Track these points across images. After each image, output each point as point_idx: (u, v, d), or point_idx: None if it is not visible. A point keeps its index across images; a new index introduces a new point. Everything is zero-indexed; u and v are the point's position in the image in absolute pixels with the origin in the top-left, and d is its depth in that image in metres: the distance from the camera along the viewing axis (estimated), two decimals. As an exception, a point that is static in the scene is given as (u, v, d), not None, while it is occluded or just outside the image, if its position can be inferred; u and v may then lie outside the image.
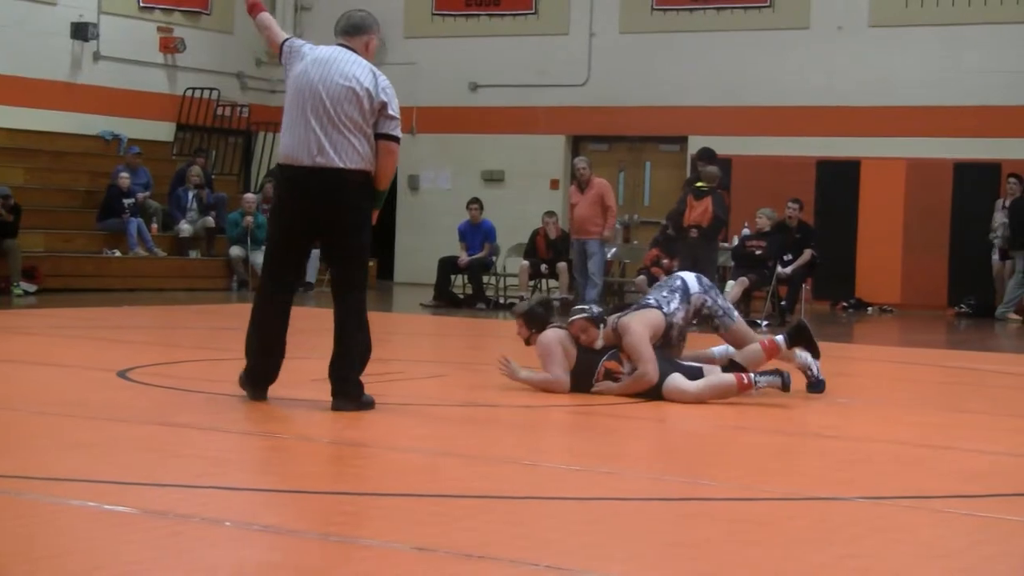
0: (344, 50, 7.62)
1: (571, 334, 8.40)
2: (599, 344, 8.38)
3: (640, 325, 8.33)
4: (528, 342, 8.62)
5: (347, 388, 7.42)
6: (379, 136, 7.43)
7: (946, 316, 19.71)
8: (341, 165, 7.31)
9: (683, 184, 17.82)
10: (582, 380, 8.32)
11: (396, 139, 7.51)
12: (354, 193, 7.40)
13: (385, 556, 4.21)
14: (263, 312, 7.75)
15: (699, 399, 8.09)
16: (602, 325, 8.44)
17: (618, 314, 8.56)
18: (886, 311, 20.19)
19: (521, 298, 18.39)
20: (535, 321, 8.57)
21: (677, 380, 8.17)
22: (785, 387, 8.18)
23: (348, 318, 7.60)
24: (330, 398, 7.45)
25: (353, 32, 7.78)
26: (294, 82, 7.56)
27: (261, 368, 7.68)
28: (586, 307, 8.62)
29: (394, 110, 7.50)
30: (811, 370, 8.62)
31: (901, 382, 10.97)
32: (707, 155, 17.21)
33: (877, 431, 7.50)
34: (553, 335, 8.41)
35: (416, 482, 5.48)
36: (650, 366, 8.16)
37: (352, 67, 7.52)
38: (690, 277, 8.79)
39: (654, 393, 8.16)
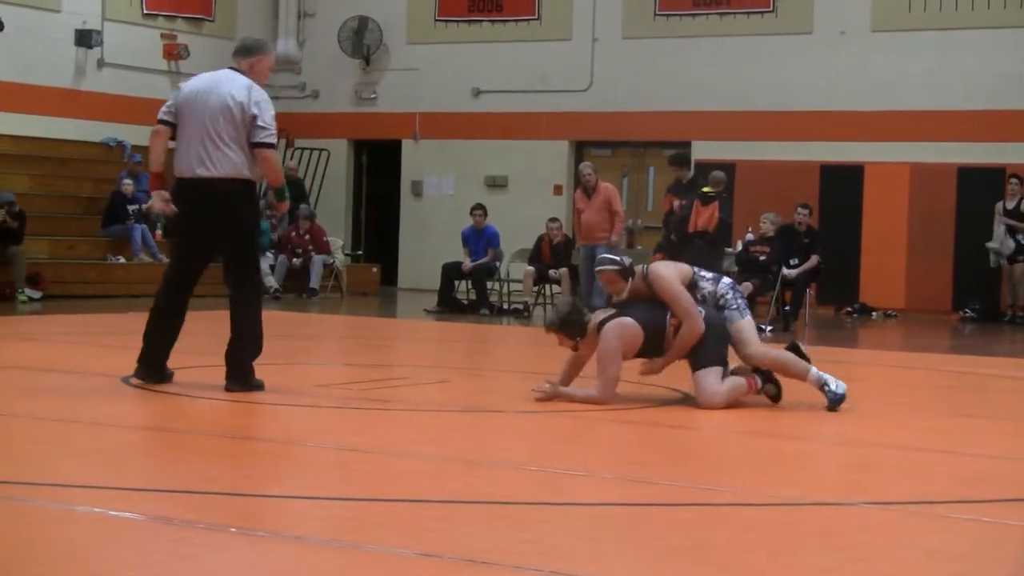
0: (227, 71, 8.41)
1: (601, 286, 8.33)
2: (623, 296, 8.30)
3: (669, 270, 8.30)
4: (576, 349, 8.33)
5: (239, 373, 8.28)
6: (253, 145, 8.22)
7: (950, 321, 19.69)
8: (218, 174, 8.19)
9: (667, 190, 17.81)
10: (654, 345, 8.17)
11: (267, 145, 8.25)
12: (232, 199, 8.25)
13: (390, 562, 4.22)
14: (162, 310, 8.57)
15: (724, 404, 8.07)
16: (631, 278, 8.35)
17: (644, 265, 8.49)
18: (890, 316, 20.18)
19: (525, 304, 18.41)
20: (573, 328, 8.25)
21: (711, 377, 8.10)
22: (777, 396, 8.38)
23: (240, 312, 8.45)
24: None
25: (242, 54, 8.50)
26: (180, 110, 8.35)
27: (154, 356, 8.50)
28: (616, 257, 8.48)
29: (264, 121, 8.22)
30: (827, 386, 8.37)
31: (905, 387, 10.96)
32: (682, 159, 17.46)
33: (881, 436, 7.49)
34: (615, 330, 8.11)
35: (421, 487, 5.48)
36: (692, 314, 8.09)
37: (229, 86, 8.26)
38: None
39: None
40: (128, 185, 19.93)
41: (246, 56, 8.47)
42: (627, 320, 8.13)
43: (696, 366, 8.14)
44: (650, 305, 8.23)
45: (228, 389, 8.23)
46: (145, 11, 22.73)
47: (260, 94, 8.27)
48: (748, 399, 8.28)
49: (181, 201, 8.40)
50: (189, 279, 8.63)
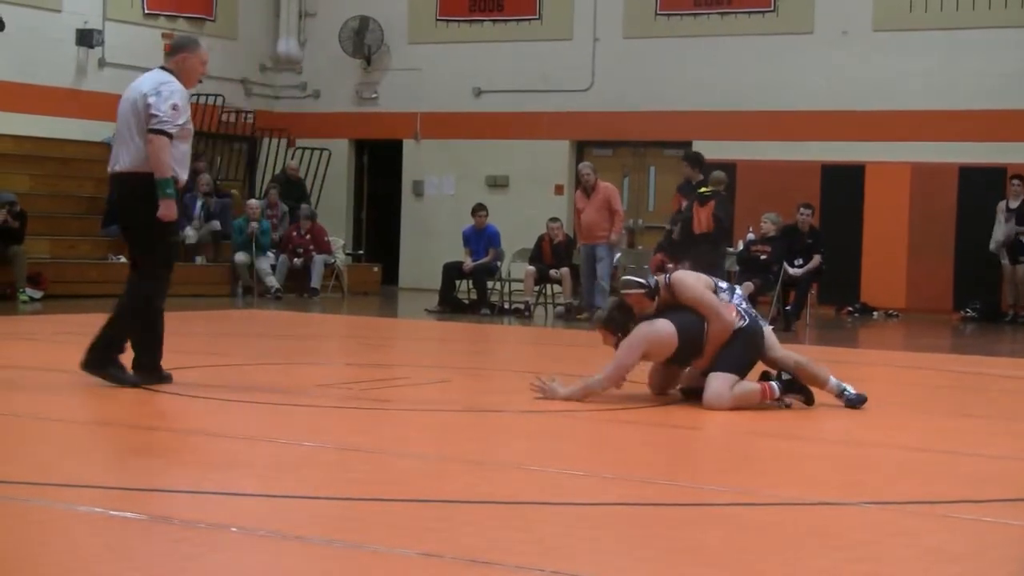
0: (152, 71, 8.56)
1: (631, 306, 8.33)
2: (650, 311, 8.30)
3: (691, 277, 8.35)
4: (617, 347, 8.33)
5: (99, 355, 8.26)
6: (147, 131, 8.20)
7: (951, 320, 19.69)
8: (123, 169, 8.32)
9: (676, 188, 17.83)
10: (692, 348, 8.18)
11: (157, 132, 8.16)
12: (134, 193, 8.26)
13: (391, 562, 4.22)
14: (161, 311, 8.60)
15: (728, 408, 8.06)
16: (656, 297, 8.35)
17: (665, 275, 8.52)
18: (891, 316, 20.18)
19: (526, 304, 18.41)
20: (616, 325, 8.26)
21: (722, 380, 8.08)
22: (808, 401, 8.33)
23: (125, 301, 8.45)
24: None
25: (170, 53, 8.64)
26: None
27: (152, 358, 8.48)
28: (642, 280, 8.44)
29: (157, 109, 8.17)
30: (845, 392, 8.41)
31: (906, 387, 10.95)
32: (694, 159, 17.31)
33: (882, 436, 7.49)
34: (645, 327, 8.16)
35: (422, 487, 5.48)
36: (722, 313, 8.14)
37: (142, 83, 8.40)
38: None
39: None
40: None
41: (172, 55, 8.58)
42: (662, 321, 8.16)
43: (713, 368, 8.13)
44: (683, 311, 8.23)
45: (82, 368, 8.27)
46: (146, 11, 22.73)
47: (169, 87, 8.28)
48: (763, 406, 8.23)
49: (111, 196, 8.60)
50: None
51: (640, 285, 8.37)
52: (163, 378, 8.44)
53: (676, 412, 8.03)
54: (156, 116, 8.16)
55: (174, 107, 8.21)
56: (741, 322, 8.22)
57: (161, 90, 8.26)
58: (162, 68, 8.53)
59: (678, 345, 8.13)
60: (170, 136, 8.19)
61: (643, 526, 4.97)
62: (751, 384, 8.22)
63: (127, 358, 8.43)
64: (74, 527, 4.58)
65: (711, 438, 7.43)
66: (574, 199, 18.04)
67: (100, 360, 8.30)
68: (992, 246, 19.42)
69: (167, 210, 8.20)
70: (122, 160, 8.34)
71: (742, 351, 8.21)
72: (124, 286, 8.58)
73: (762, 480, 5.96)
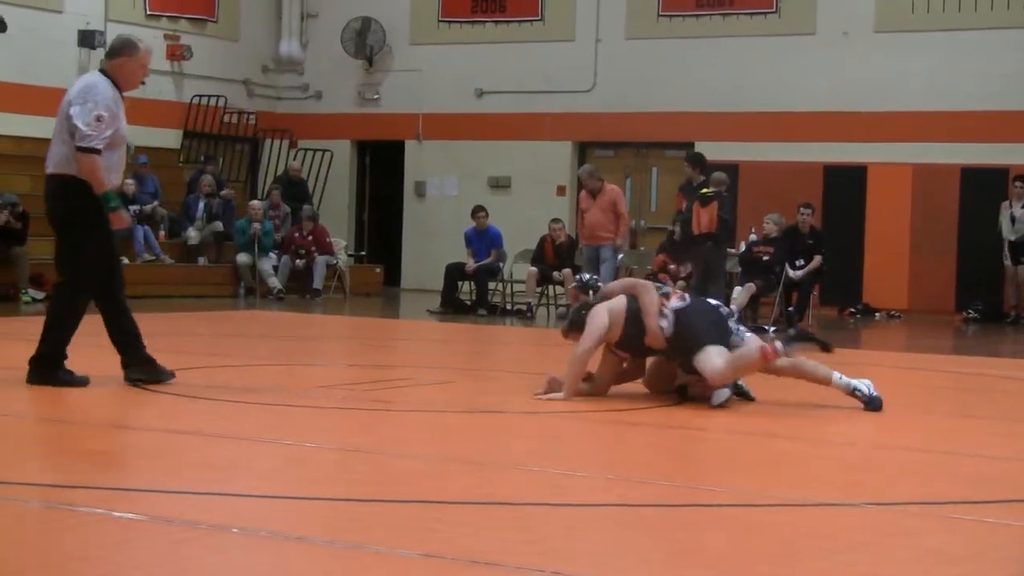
0: (88, 73, 8.58)
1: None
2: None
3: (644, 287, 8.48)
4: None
5: (41, 366, 8.22)
6: (76, 149, 8.02)
7: (954, 321, 19.69)
8: (50, 171, 8.19)
9: (678, 188, 17.87)
10: (638, 325, 8.26)
11: (83, 150, 7.96)
12: (56, 194, 8.17)
13: (392, 563, 4.22)
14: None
15: (732, 376, 8.06)
16: (591, 292, 8.52)
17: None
18: (893, 316, 20.17)
19: (528, 305, 18.41)
20: (579, 327, 8.36)
21: (710, 354, 8.04)
22: (825, 348, 8.34)
23: (53, 307, 8.45)
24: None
25: (107, 56, 8.43)
26: None
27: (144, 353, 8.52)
28: (578, 276, 8.75)
29: (79, 122, 7.96)
30: (859, 391, 8.32)
31: (908, 388, 10.95)
32: (695, 159, 17.32)
33: (883, 437, 7.50)
34: (598, 309, 8.35)
35: (423, 488, 5.49)
36: (634, 285, 8.46)
37: (74, 88, 8.22)
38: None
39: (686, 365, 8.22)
40: (128, 185, 19.94)
41: (110, 58, 8.35)
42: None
43: (694, 351, 8.10)
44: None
45: (28, 381, 8.23)
46: (148, 12, 22.75)
47: (93, 95, 8.06)
48: (777, 366, 8.17)
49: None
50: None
51: (578, 280, 8.77)
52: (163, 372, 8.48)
53: (677, 413, 8.03)
54: (79, 131, 7.96)
55: (98, 119, 7.98)
56: (677, 303, 8.28)
57: (87, 99, 8.04)
58: (100, 71, 8.30)
59: (626, 317, 8.22)
60: (98, 152, 8.00)
61: (644, 527, 4.97)
62: (744, 350, 8.15)
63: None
64: (75, 528, 4.58)
65: (712, 439, 7.43)
66: (578, 199, 17.94)
67: (41, 372, 8.25)
68: (1006, 248, 19.36)
69: (118, 222, 8.18)
70: (50, 163, 8.20)
71: (708, 327, 8.16)
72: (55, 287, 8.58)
73: (763, 481, 5.96)
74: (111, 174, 8.16)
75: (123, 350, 8.42)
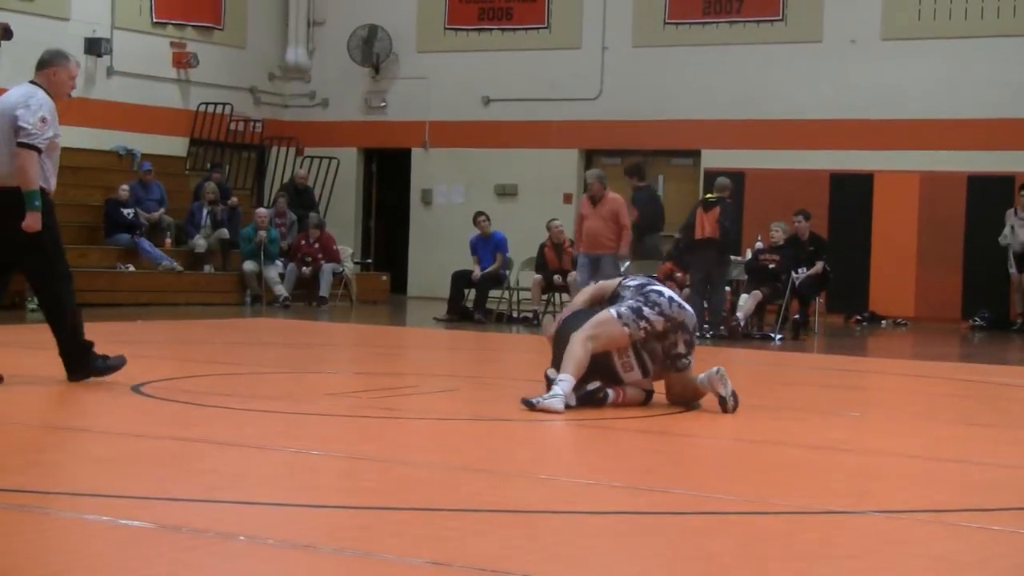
0: (21, 85, 8.67)
1: None
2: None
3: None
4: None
5: (73, 362, 8.57)
6: (17, 144, 8.34)
7: (960, 329, 19.68)
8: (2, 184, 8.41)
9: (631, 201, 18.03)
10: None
11: (27, 146, 8.32)
12: (8, 203, 8.35)
13: (400, 571, 4.22)
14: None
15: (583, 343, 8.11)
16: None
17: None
18: (900, 324, 20.17)
19: (534, 312, 18.41)
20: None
21: (599, 317, 8.18)
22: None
23: (48, 313, 8.71)
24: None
25: (38, 67, 8.71)
26: None
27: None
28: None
29: (25, 122, 8.31)
30: (720, 394, 8.24)
31: (914, 395, 10.95)
32: (636, 170, 17.96)
33: (889, 444, 7.49)
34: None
35: (430, 496, 5.49)
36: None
37: (9, 97, 8.56)
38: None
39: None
40: (124, 191, 19.99)
41: (41, 68, 8.67)
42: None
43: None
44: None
45: (72, 380, 8.58)
46: (154, 19, 22.80)
47: (37, 100, 8.42)
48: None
49: None
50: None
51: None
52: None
53: (683, 420, 8.03)
54: (24, 129, 8.31)
55: (42, 120, 8.35)
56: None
57: (30, 103, 8.39)
58: (31, 82, 8.63)
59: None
60: (39, 150, 8.35)
61: (651, 535, 4.97)
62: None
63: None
64: (82, 536, 4.59)
65: (718, 446, 7.43)
66: (578, 205, 17.59)
67: (79, 365, 8.63)
68: (1011, 256, 19.36)
69: (33, 221, 8.37)
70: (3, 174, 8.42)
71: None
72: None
73: (770, 488, 5.96)
74: (48, 177, 8.49)
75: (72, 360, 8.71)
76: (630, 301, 8.25)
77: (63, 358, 8.65)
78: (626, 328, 8.17)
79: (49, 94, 8.55)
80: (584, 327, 8.16)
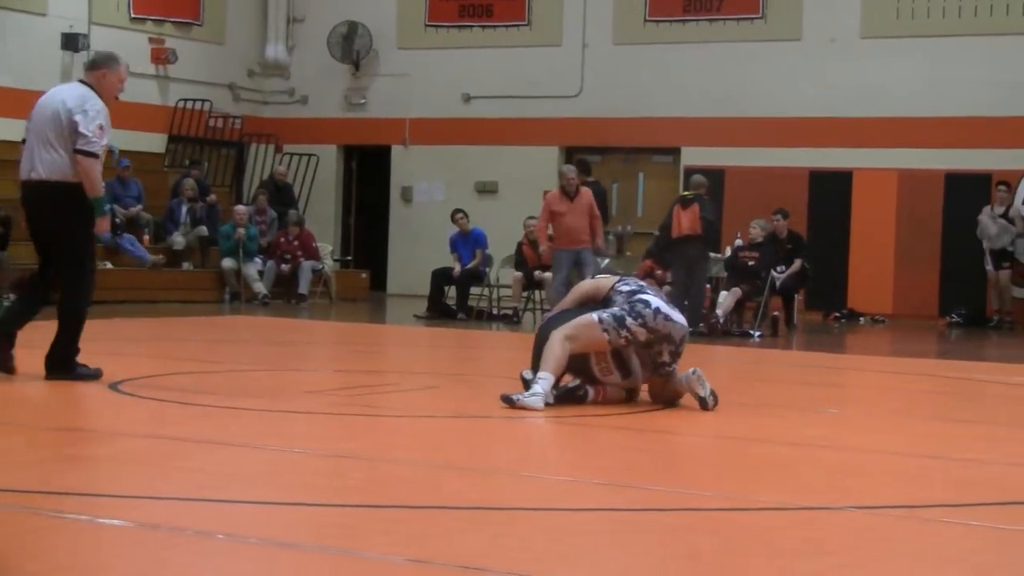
0: (71, 84, 8.91)
1: None
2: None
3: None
4: None
5: (60, 364, 8.65)
6: (74, 151, 8.51)
7: (938, 326, 19.75)
8: (39, 177, 8.58)
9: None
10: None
11: (84, 153, 8.49)
12: (56, 202, 8.56)
13: (381, 568, 4.22)
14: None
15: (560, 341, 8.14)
16: None
17: None
18: (878, 321, 20.23)
19: (515, 310, 18.41)
20: None
21: (580, 320, 8.22)
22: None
23: (63, 312, 8.79)
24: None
25: (88, 68, 8.95)
26: (29, 122, 8.76)
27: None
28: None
29: (85, 129, 8.48)
30: (700, 395, 8.26)
31: (893, 392, 10.98)
32: (583, 165, 18.18)
33: (869, 441, 7.51)
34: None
35: (411, 494, 5.49)
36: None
37: (63, 94, 8.70)
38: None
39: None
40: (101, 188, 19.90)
41: (91, 70, 8.84)
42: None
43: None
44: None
45: (49, 378, 8.61)
46: (132, 15, 22.72)
47: (94, 106, 8.58)
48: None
49: (22, 201, 8.89)
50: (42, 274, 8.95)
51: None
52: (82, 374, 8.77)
53: (663, 418, 8.04)
54: (84, 136, 8.47)
55: (100, 127, 8.54)
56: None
57: (87, 108, 8.54)
58: (81, 82, 8.81)
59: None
60: (98, 156, 8.56)
61: (634, 532, 4.98)
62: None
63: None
64: (61, 535, 4.57)
65: (700, 444, 7.45)
66: (545, 200, 16.88)
67: (60, 368, 8.66)
68: (987, 253, 19.42)
69: (104, 225, 8.82)
70: (39, 169, 8.59)
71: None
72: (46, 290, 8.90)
73: (750, 485, 5.97)
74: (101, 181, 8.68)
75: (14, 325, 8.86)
76: (615, 308, 8.24)
77: (49, 358, 8.69)
78: (606, 335, 8.16)
79: (98, 95, 8.68)
80: (564, 327, 8.17)
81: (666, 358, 8.29)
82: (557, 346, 8.10)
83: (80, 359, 8.73)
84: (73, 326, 8.73)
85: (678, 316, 8.40)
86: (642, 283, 8.63)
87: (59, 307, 8.80)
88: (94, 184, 8.54)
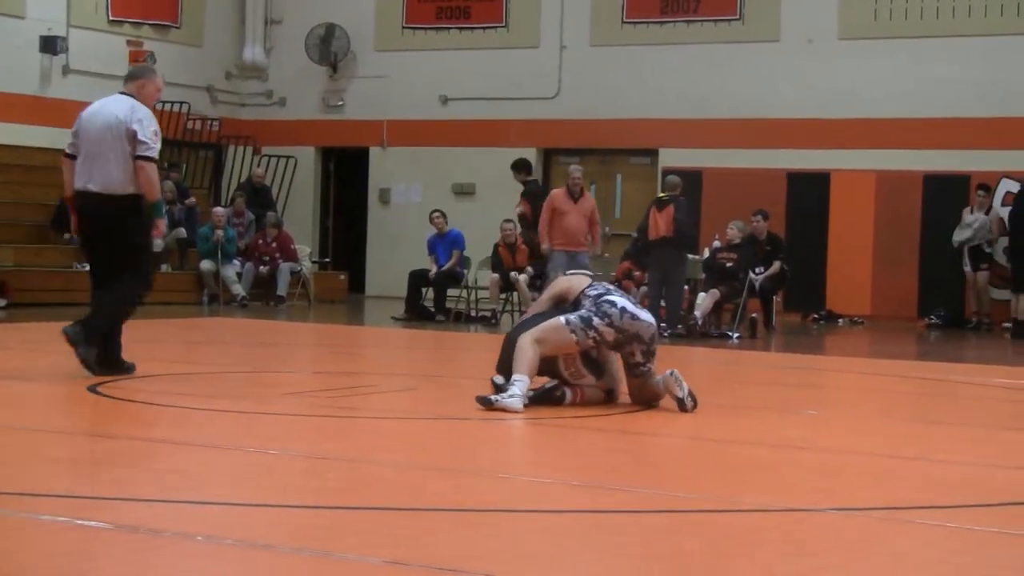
0: (114, 96, 9.28)
1: None
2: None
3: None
4: None
5: (106, 361, 9.10)
6: (134, 158, 9.00)
7: (916, 327, 19.80)
8: (99, 189, 9.04)
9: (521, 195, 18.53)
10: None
11: (144, 159, 8.99)
12: (121, 212, 9.03)
13: (359, 570, 4.20)
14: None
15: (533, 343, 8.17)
16: None
17: None
18: (857, 323, 20.27)
19: (493, 312, 18.41)
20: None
21: (547, 324, 8.23)
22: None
23: (103, 300, 9.21)
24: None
25: (127, 79, 9.47)
26: (78, 134, 9.20)
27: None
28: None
29: (143, 136, 8.97)
30: (678, 396, 8.23)
31: (872, 393, 11.00)
32: (523, 165, 18.76)
33: (848, 443, 7.52)
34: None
35: (390, 495, 5.47)
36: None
37: (112, 107, 9.14)
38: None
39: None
40: None
41: (131, 80, 9.37)
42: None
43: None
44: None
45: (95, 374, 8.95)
46: (111, 18, 22.65)
47: (143, 112, 9.07)
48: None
49: (77, 211, 9.26)
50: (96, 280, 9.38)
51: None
52: (127, 368, 9.26)
53: (642, 419, 8.04)
54: (144, 143, 8.95)
55: (155, 133, 9.04)
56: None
57: (140, 117, 9.01)
58: (122, 93, 9.24)
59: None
60: (156, 160, 9.05)
61: (614, 533, 4.97)
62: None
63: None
64: (37, 536, 4.55)
65: (680, 445, 7.45)
66: (550, 198, 16.86)
67: (109, 361, 9.13)
68: (965, 254, 19.49)
69: (161, 228, 9.58)
70: (98, 180, 9.02)
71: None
72: (98, 294, 9.26)
73: (730, 487, 5.97)
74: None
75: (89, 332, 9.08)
76: (582, 311, 8.26)
77: (101, 358, 9.05)
78: (574, 336, 8.16)
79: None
80: (531, 331, 8.18)
81: (639, 358, 8.30)
82: (528, 348, 8.10)
83: (63, 362, 8.84)
84: (115, 314, 9.17)
85: (646, 315, 8.38)
86: (610, 287, 8.65)
87: (108, 293, 9.15)
88: (155, 187, 9.05)
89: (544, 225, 16.63)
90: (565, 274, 9.25)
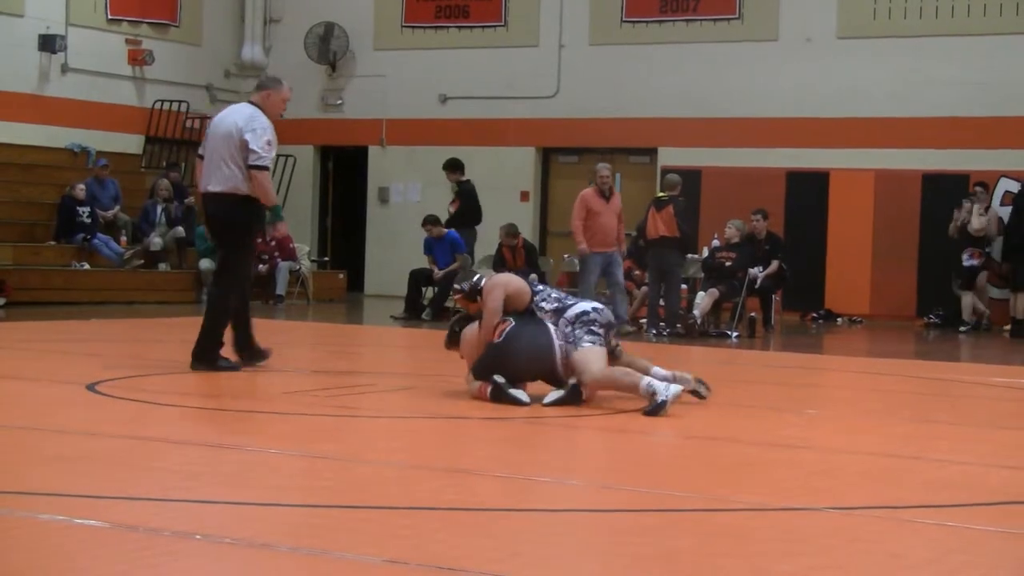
0: (241, 104, 9.94)
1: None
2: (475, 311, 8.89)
3: (498, 288, 8.68)
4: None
5: (202, 355, 9.63)
6: (247, 167, 9.56)
7: (915, 327, 19.80)
8: (218, 189, 9.63)
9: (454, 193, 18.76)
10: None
11: (256, 168, 9.56)
12: (228, 211, 9.62)
13: (356, 569, 4.21)
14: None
15: (600, 384, 8.32)
16: (478, 298, 8.81)
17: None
18: (855, 322, 20.27)
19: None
20: (456, 337, 9.11)
21: (591, 356, 8.31)
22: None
23: (210, 301, 10.01)
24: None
25: (256, 89, 10.09)
26: (207, 138, 9.92)
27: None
28: (463, 285, 9.05)
29: (255, 146, 9.52)
30: (655, 395, 8.10)
31: (869, 393, 11.01)
32: (456, 165, 19.22)
33: (845, 442, 7.53)
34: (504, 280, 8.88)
35: (387, 494, 5.48)
36: (488, 321, 8.63)
37: (235, 115, 9.74)
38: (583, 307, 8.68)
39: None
40: (81, 190, 19.83)
41: (257, 91, 9.96)
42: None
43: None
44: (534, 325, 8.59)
45: (193, 368, 9.59)
46: (109, 16, 22.64)
47: (261, 122, 9.59)
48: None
49: (204, 209, 9.99)
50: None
51: (461, 289, 9.06)
52: (263, 355, 10.05)
53: (640, 419, 8.04)
54: (255, 153, 9.52)
55: (268, 143, 9.57)
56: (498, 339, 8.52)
57: (255, 127, 9.56)
58: (249, 102, 9.83)
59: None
60: (268, 169, 9.63)
61: (610, 532, 4.98)
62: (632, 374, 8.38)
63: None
64: (36, 535, 4.55)
65: (675, 444, 7.45)
66: (582, 198, 16.37)
67: (203, 359, 9.62)
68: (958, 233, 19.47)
69: (283, 229, 10.82)
70: (214, 182, 9.65)
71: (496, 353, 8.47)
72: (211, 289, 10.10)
73: (727, 486, 5.98)
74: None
75: (238, 336, 9.87)
76: (579, 330, 8.45)
77: (194, 350, 9.67)
78: (603, 348, 8.48)
79: (265, 113, 9.71)
80: (598, 368, 8.31)
81: (614, 342, 8.76)
82: (613, 371, 8.38)
83: (61, 361, 8.80)
84: (218, 319, 9.67)
85: (598, 304, 8.82)
86: (561, 294, 8.89)
87: (209, 299, 9.87)
88: (268, 194, 9.67)
89: (578, 226, 16.16)
90: (481, 276, 9.25)
